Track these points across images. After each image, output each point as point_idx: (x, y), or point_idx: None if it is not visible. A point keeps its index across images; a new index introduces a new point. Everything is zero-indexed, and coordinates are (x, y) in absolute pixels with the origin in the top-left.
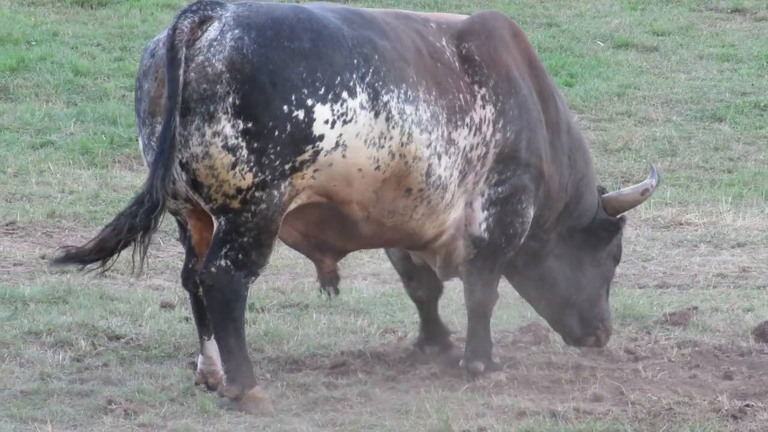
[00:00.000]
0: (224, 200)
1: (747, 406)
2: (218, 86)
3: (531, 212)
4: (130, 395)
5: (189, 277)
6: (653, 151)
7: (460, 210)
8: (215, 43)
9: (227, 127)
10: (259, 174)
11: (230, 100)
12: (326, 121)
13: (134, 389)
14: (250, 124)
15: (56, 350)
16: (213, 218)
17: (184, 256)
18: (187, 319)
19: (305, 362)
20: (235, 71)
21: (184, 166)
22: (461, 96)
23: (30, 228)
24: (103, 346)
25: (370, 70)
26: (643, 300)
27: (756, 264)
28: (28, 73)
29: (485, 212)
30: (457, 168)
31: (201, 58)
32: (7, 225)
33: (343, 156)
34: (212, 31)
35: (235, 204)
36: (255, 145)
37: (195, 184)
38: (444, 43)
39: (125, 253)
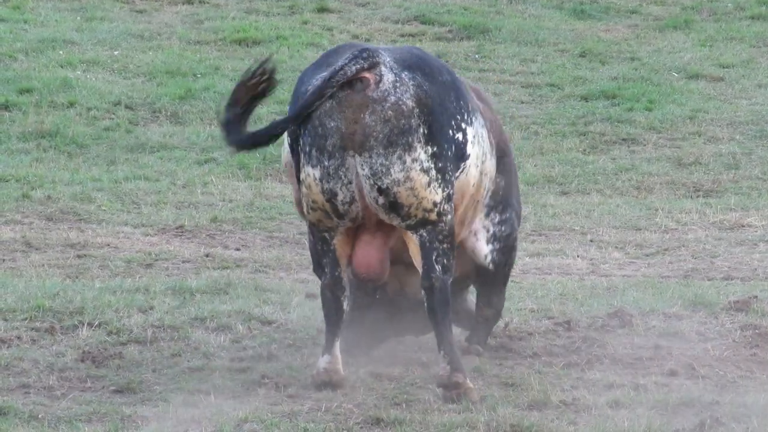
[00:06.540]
0: (423, 214)
1: None
2: (412, 120)
3: None
4: (280, 371)
5: (337, 284)
6: (720, 165)
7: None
8: (398, 84)
9: (421, 153)
10: (445, 189)
11: (421, 130)
12: (471, 142)
13: (284, 366)
14: (435, 149)
15: (218, 333)
16: (410, 234)
17: (327, 268)
18: None
19: None
20: (422, 106)
21: (384, 191)
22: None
23: (196, 231)
24: (258, 330)
25: (469, 97)
26: (711, 290)
27: None
28: (194, 101)
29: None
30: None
31: (393, 98)
32: (176, 228)
33: (470, 172)
34: (388, 74)
35: (433, 216)
36: (439, 165)
37: (394, 205)
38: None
39: (277, 252)
